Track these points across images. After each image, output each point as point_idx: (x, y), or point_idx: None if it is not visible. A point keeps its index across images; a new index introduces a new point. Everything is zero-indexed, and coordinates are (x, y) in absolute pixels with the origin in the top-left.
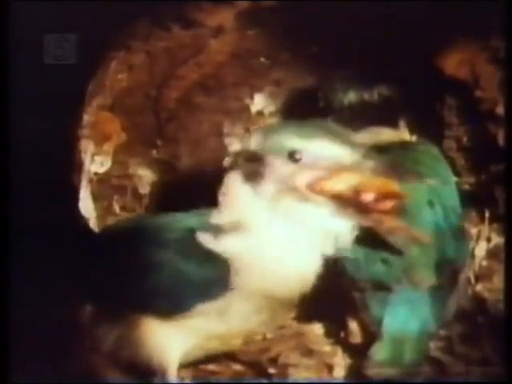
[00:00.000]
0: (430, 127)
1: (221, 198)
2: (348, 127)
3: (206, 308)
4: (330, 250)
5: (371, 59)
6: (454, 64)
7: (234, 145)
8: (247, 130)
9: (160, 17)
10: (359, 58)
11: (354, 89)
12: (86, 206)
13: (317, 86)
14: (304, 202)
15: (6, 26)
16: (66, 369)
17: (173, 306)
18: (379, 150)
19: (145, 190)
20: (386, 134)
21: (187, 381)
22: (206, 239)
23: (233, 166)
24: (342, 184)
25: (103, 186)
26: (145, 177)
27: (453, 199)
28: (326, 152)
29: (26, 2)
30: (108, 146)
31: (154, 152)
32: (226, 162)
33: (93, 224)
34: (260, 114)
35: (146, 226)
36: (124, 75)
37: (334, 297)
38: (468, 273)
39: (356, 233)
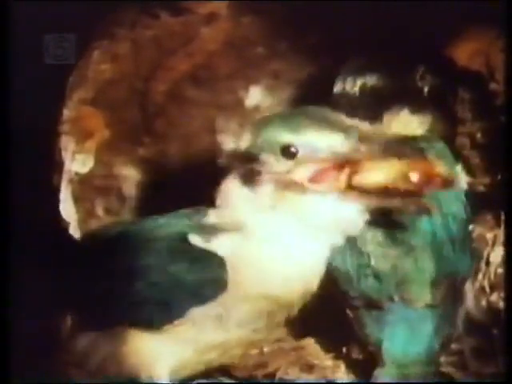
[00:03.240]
0: (441, 123)
1: (217, 199)
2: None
3: (201, 313)
4: (339, 240)
5: (378, 48)
6: (466, 54)
7: (227, 144)
8: (242, 126)
9: (147, 3)
10: (364, 46)
11: (361, 78)
12: (67, 208)
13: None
14: (307, 195)
15: (6, 26)
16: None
17: (164, 313)
18: None
19: (130, 191)
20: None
21: None
22: (196, 240)
23: (228, 168)
24: (378, 175)
25: (85, 187)
26: (130, 177)
27: (454, 204)
28: (319, 143)
29: (25, 1)
30: (90, 144)
31: (141, 150)
32: (221, 163)
33: (74, 228)
34: (256, 108)
35: (130, 232)
36: (107, 66)
37: (330, 312)
38: (475, 284)
39: (367, 216)
